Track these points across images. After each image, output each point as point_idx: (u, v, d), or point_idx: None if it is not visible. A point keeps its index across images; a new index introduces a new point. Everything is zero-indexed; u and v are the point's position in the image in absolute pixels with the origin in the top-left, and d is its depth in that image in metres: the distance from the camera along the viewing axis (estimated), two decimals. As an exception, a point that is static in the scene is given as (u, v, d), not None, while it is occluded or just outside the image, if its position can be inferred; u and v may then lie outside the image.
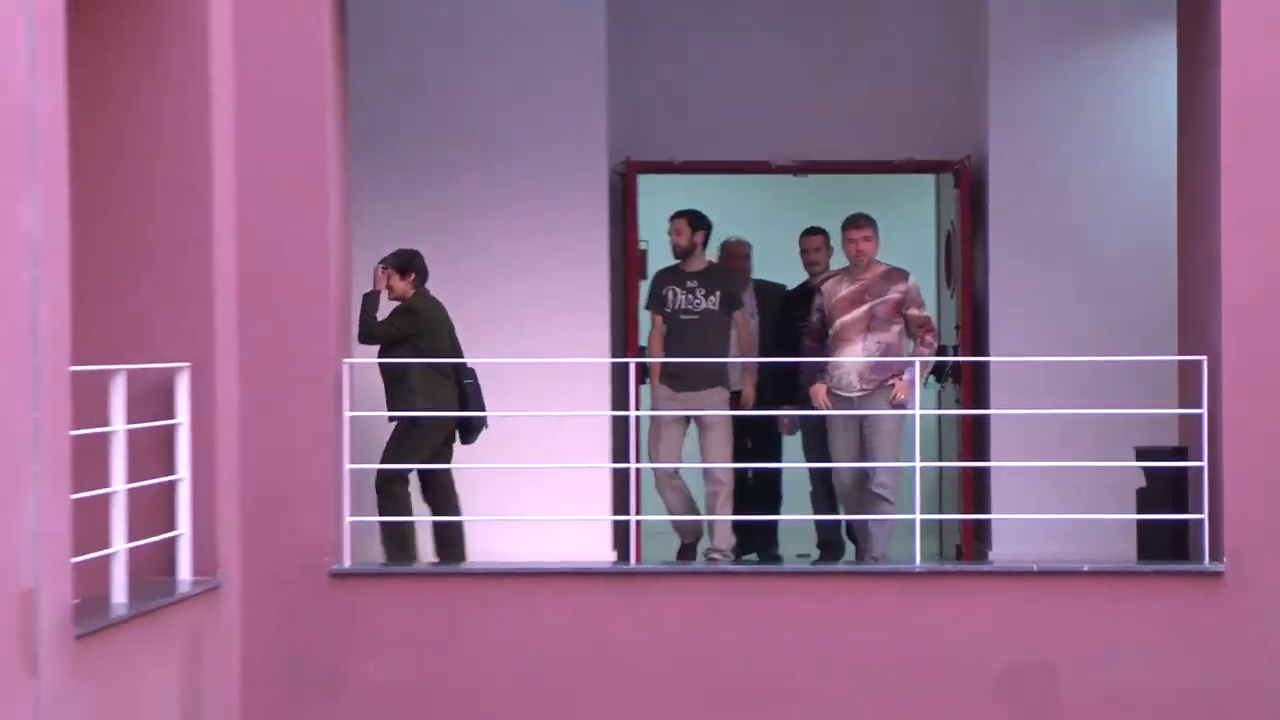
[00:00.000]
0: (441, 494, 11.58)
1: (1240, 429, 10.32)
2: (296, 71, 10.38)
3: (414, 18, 12.93)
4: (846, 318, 11.38)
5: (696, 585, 10.75)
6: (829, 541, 12.22)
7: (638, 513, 11.08)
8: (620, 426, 12.29)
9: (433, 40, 13.00)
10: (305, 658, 10.40)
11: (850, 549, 12.10)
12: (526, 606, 10.56)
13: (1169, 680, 10.36)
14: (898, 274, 11.50)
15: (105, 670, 8.29)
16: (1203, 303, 10.67)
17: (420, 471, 11.44)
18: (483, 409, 11.51)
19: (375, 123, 12.51)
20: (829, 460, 11.60)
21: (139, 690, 8.82)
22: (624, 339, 13.43)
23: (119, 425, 8.81)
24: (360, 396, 10.97)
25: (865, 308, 11.36)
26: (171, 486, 9.61)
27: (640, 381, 11.64)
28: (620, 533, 11.89)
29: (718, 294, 11.90)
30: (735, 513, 11.83)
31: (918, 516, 10.69)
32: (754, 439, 12.50)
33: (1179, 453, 10.85)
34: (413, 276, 11.62)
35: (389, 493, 11.34)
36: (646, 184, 13.62)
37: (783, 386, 12.22)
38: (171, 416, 9.61)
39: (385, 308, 11.67)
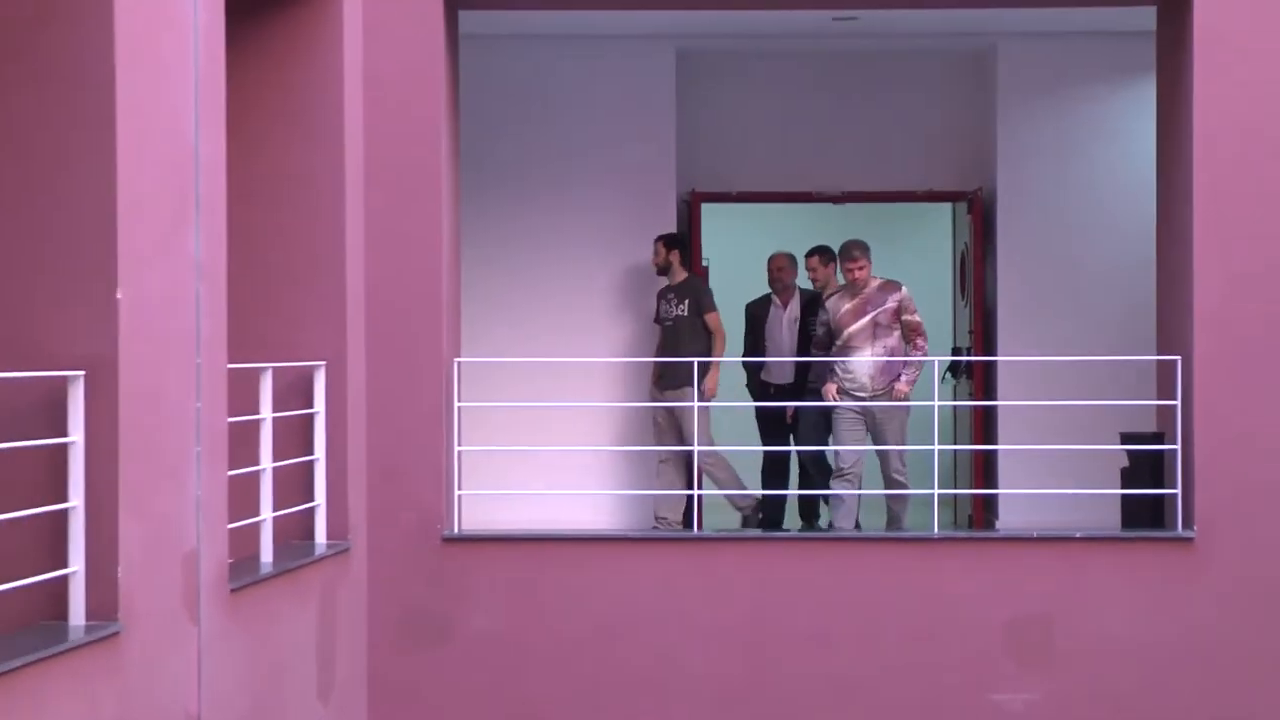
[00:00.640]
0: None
1: (1209, 417, 10.27)
2: (416, 117, 10.40)
3: (510, 66, 12.97)
4: (853, 328, 11.30)
5: (753, 549, 10.74)
6: (809, 511, 12.29)
7: (699, 488, 11.14)
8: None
9: (527, 86, 13.03)
10: (420, 609, 10.42)
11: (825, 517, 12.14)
12: (609, 566, 10.57)
13: (1148, 630, 10.32)
14: (892, 285, 11.40)
15: (254, 619, 8.33)
16: (1177, 309, 10.63)
17: None
18: None
19: (480, 158, 12.57)
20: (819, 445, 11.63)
21: (282, 635, 8.87)
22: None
23: (267, 414, 8.84)
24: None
25: (868, 318, 11.29)
26: (310, 465, 9.61)
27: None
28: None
29: (687, 302, 11.91)
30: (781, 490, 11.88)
31: (935, 491, 10.69)
32: (794, 424, 12.47)
33: (1157, 437, 10.80)
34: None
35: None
36: (709, 211, 13.64)
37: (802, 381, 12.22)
38: (310, 406, 9.62)
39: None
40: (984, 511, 13.01)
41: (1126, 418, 11.44)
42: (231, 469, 8.00)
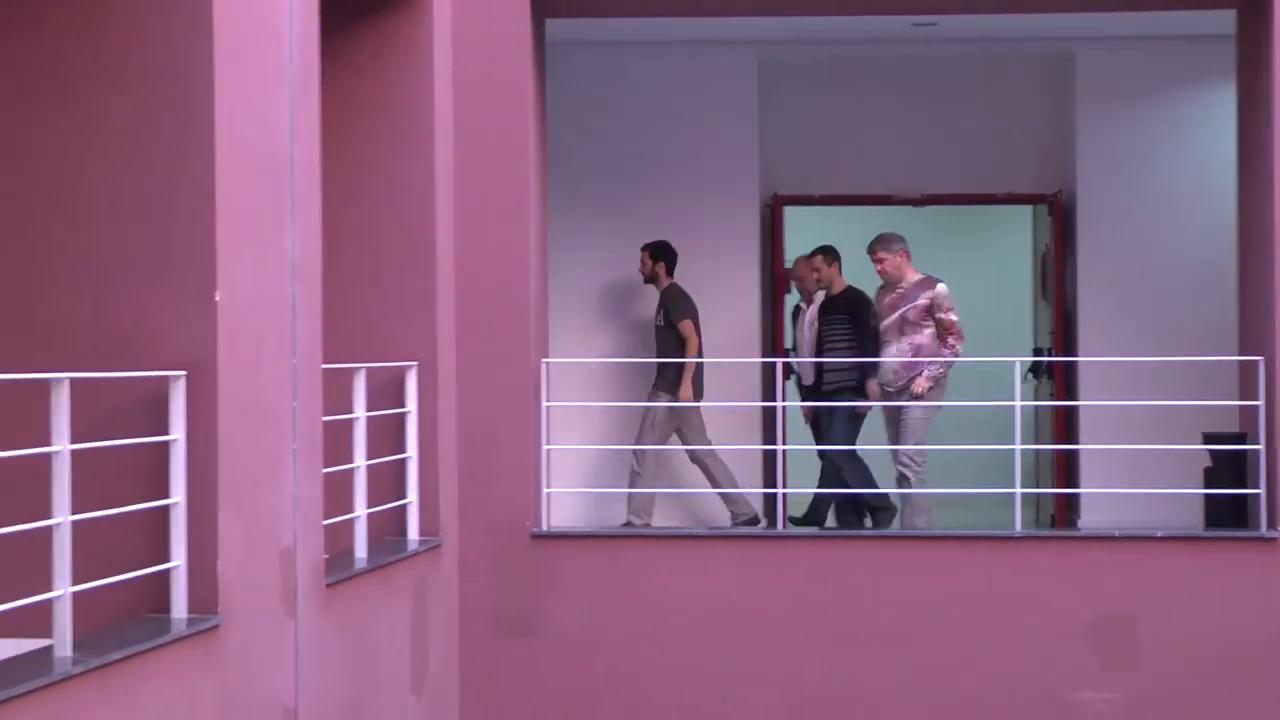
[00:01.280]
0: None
1: (1291, 418, 10.20)
2: (504, 123, 10.45)
3: (596, 73, 12.99)
4: (885, 322, 11.28)
5: (834, 547, 10.71)
6: (818, 507, 12.05)
7: (783, 486, 11.10)
8: (769, 415, 12.29)
9: (612, 92, 13.05)
10: (509, 603, 10.46)
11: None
12: (693, 564, 10.58)
13: (1230, 629, 10.21)
14: (929, 282, 11.26)
15: (350, 612, 8.38)
16: (1259, 310, 10.50)
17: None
18: None
19: (565, 163, 12.59)
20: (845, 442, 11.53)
21: (377, 628, 8.92)
22: (772, 342, 13.43)
23: (360, 413, 8.87)
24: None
25: (898, 313, 11.22)
26: (402, 463, 9.64)
27: (786, 378, 11.72)
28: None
29: (664, 311, 11.99)
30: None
31: (1018, 490, 10.60)
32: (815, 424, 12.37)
33: (1240, 437, 10.69)
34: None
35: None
36: (791, 214, 13.61)
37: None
38: (402, 406, 9.66)
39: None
40: (1066, 511, 12.90)
41: (1209, 418, 11.32)
42: (326, 467, 8.04)
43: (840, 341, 11.84)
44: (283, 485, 7.38)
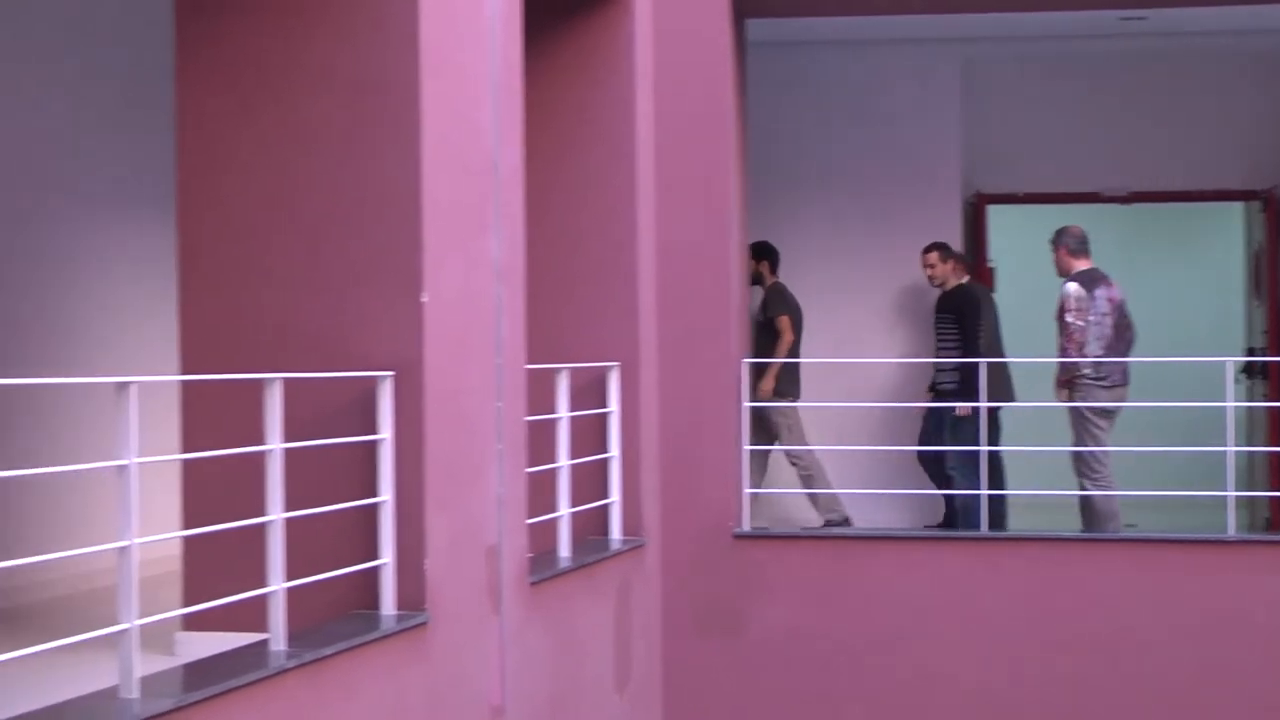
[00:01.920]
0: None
1: None
2: (705, 123, 10.45)
3: (796, 73, 12.97)
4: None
5: (1043, 549, 10.49)
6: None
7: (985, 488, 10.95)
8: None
9: (812, 92, 13.02)
10: (712, 603, 10.47)
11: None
12: (895, 565, 10.49)
13: None
14: (1073, 279, 10.87)
15: (554, 611, 8.42)
16: None
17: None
18: None
19: (765, 163, 12.58)
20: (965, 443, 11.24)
21: (580, 627, 8.96)
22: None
23: (563, 413, 8.91)
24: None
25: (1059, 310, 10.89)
26: (605, 463, 9.68)
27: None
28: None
29: (765, 307, 11.88)
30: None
31: (1231, 494, 10.34)
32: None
33: None
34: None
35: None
36: (995, 213, 13.46)
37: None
38: (604, 406, 9.69)
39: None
40: (1282, 514, 12.61)
41: None
42: (531, 466, 8.09)
43: (946, 341, 11.69)
44: (487, 484, 7.44)
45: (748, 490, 10.61)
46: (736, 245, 10.65)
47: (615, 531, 9.72)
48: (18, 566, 4.92)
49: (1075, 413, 10.81)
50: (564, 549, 8.86)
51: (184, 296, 7.00)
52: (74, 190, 9.73)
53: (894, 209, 12.87)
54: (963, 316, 11.62)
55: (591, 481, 9.58)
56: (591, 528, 9.65)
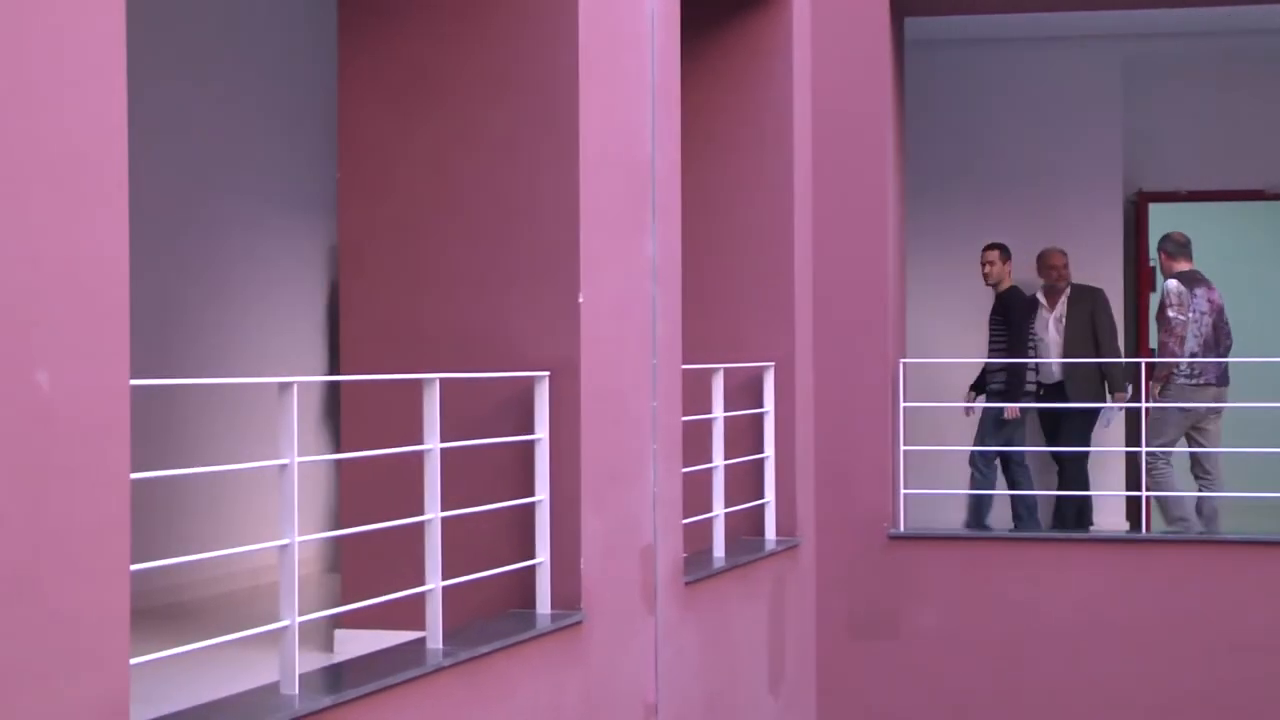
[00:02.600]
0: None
1: None
2: (862, 123, 10.38)
3: (954, 72, 12.84)
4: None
5: (1198, 552, 10.31)
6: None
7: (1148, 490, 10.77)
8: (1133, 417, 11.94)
9: (971, 90, 12.89)
10: (867, 603, 10.40)
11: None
12: (1047, 566, 10.35)
13: None
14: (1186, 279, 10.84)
15: (708, 610, 8.39)
16: None
17: None
18: None
19: (923, 162, 12.47)
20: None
21: (735, 626, 8.92)
22: (1135, 340, 13.06)
23: (718, 413, 8.89)
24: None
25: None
26: (760, 463, 9.64)
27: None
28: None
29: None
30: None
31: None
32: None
33: None
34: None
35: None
36: (1156, 211, 13.22)
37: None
38: (760, 406, 9.66)
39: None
40: None
41: None
42: (686, 466, 8.07)
43: (997, 342, 11.55)
44: (643, 484, 7.43)
45: (904, 491, 10.51)
46: (893, 245, 10.55)
47: (770, 532, 9.68)
48: (178, 565, 4.98)
49: (1158, 409, 10.74)
50: (719, 549, 8.84)
51: (346, 299, 7.06)
52: (246, 192, 9.89)
53: (1055, 208, 12.69)
54: (1009, 318, 11.52)
55: (746, 481, 9.55)
56: (746, 528, 9.61)
